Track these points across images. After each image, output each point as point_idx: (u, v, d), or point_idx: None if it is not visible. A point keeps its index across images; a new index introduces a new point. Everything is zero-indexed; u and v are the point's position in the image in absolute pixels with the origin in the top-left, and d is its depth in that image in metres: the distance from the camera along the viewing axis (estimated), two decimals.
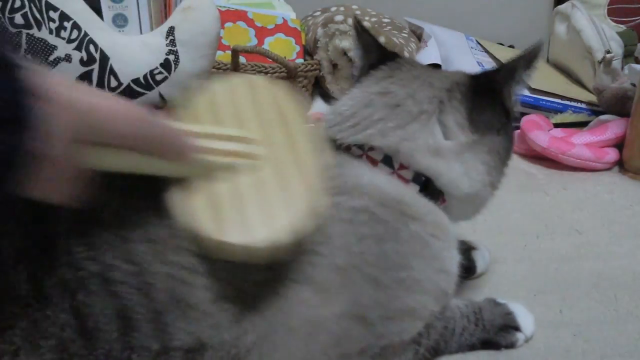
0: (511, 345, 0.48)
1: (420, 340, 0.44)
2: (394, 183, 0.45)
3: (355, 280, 0.40)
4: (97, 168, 0.33)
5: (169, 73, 0.88)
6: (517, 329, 0.49)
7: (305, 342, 0.39)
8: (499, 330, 0.48)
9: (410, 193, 0.45)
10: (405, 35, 1.24)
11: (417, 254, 0.43)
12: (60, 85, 0.29)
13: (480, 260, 0.60)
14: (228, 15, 1.10)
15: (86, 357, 0.36)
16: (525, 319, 0.49)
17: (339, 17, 1.15)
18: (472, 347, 0.47)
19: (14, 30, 0.78)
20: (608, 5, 1.39)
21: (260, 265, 0.37)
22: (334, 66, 1.14)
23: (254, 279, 0.39)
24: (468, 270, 0.59)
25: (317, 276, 0.40)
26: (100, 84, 0.84)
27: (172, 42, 0.88)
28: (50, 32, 0.79)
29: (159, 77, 0.87)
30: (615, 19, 1.39)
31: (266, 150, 0.39)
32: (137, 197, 0.39)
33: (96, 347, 0.36)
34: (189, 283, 0.38)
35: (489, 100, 0.48)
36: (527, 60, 0.50)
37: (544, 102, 1.15)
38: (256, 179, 0.38)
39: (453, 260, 0.46)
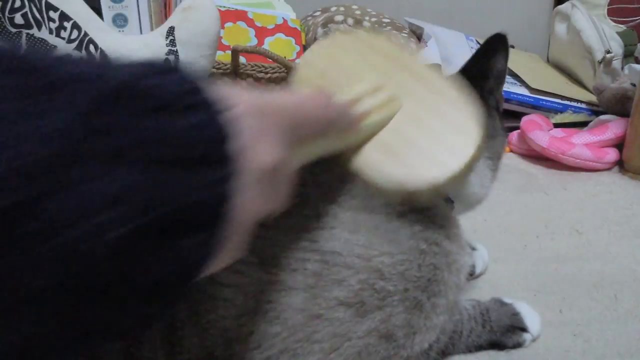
0: (518, 346, 0.48)
1: (432, 344, 0.44)
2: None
3: (395, 302, 0.39)
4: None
5: None
6: (523, 329, 0.49)
7: (327, 354, 0.38)
8: (506, 331, 0.48)
9: (442, 208, 0.44)
10: (405, 35, 1.24)
11: (451, 275, 0.42)
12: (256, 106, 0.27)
13: (480, 260, 0.60)
14: (228, 15, 1.10)
15: None
16: (531, 319, 0.49)
17: (339, 17, 1.15)
18: (479, 348, 0.47)
19: (14, 30, 0.78)
20: (608, 5, 1.39)
21: (299, 284, 0.37)
22: None
23: (288, 287, 0.37)
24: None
25: (364, 298, 0.38)
26: None
27: (172, 42, 0.88)
28: (50, 32, 0.79)
29: None
30: (615, 19, 1.39)
31: (400, 87, 0.39)
32: None
33: (99, 357, 0.35)
34: (212, 296, 0.37)
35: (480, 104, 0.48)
36: (492, 53, 0.48)
37: (544, 102, 1.15)
38: (411, 120, 0.38)
39: (466, 272, 0.45)
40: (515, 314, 0.49)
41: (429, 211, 0.42)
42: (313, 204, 0.40)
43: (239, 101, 0.26)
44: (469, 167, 0.36)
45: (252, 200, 0.26)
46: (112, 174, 0.20)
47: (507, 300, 0.51)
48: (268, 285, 0.38)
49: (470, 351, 0.47)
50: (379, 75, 0.40)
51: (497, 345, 0.48)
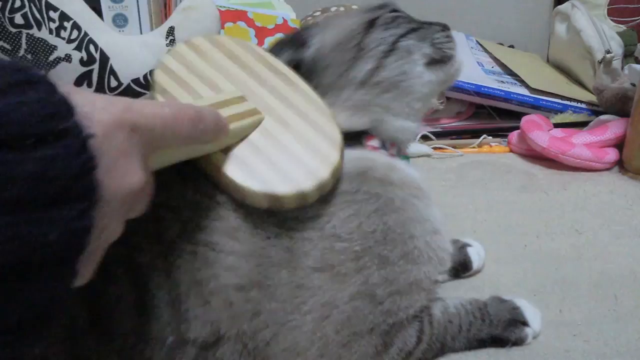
0: (521, 341, 0.48)
1: (422, 327, 0.44)
2: (368, 154, 0.47)
3: (367, 262, 0.41)
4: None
5: None
6: (524, 323, 0.49)
7: (318, 324, 0.39)
8: (507, 325, 0.48)
9: (384, 160, 0.47)
10: None
11: (413, 220, 0.44)
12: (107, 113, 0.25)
13: (476, 256, 0.60)
14: (228, 15, 1.10)
15: (97, 352, 0.36)
16: (532, 314, 0.50)
17: None
18: (482, 344, 0.47)
19: (14, 30, 0.78)
20: (608, 5, 1.39)
21: (282, 247, 0.39)
22: None
23: (275, 263, 0.39)
24: (465, 267, 0.59)
25: (336, 262, 0.40)
26: (100, 84, 0.84)
27: (172, 42, 0.88)
28: (50, 32, 0.79)
29: None
30: (615, 19, 1.39)
31: (259, 102, 0.41)
32: (169, 177, 0.38)
33: (110, 340, 0.36)
34: (213, 263, 0.38)
35: None
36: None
37: (544, 102, 1.15)
38: (268, 131, 0.40)
39: (437, 218, 0.47)
40: (515, 308, 0.49)
41: (365, 173, 0.44)
42: None
43: (102, 117, 0.25)
44: (335, 174, 0.40)
45: (110, 224, 0.26)
46: None
47: (507, 297, 0.51)
48: (262, 258, 0.39)
49: (472, 347, 0.47)
50: (239, 85, 0.42)
51: (500, 341, 0.48)
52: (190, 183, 0.40)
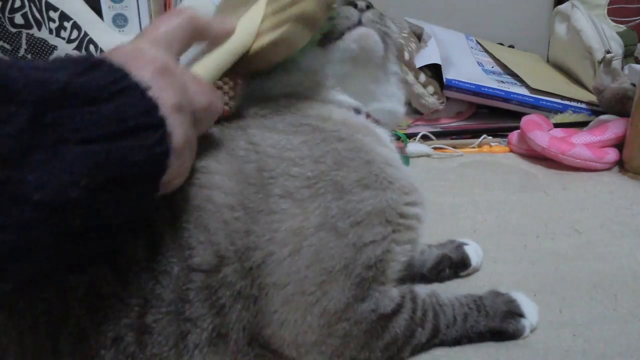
0: (519, 332, 0.48)
1: (403, 302, 0.44)
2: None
3: (321, 189, 0.42)
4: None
5: None
6: (521, 315, 0.49)
7: (292, 258, 0.40)
8: (504, 317, 0.48)
9: (329, 108, 0.50)
10: (405, 35, 1.24)
11: (361, 149, 0.46)
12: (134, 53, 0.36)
13: (473, 253, 0.60)
14: None
15: (118, 296, 0.37)
16: (529, 306, 0.50)
17: None
18: (481, 336, 0.47)
19: (14, 30, 0.78)
20: (608, 5, 1.39)
21: (253, 164, 0.42)
22: None
23: (251, 182, 0.42)
24: (463, 265, 0.59)
25: (293, 189, 0.42)
26: None
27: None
28: (50, 32, 0.79)
29: None
30: (615, 19, 1.39)
31: None
32: None
33: (126, 280, 0.37)
34: (206, 185, 0.41)
35: None
36: None
37: (544, 102, 1.15)
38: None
39: (392, 156, 0.48)
40: (512, 301, 0.49)
41: (303, 109, 0.48)
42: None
43: (146, 64, 0.35)
44: None
45: (177, 131, 0.34)
46: (58, 154, 0.28)
47: (503, 291, 0.51)
48: (240, 175, 0.42)
49: (472, 340, 0.47)
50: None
51: (498, 333, 0.48)
52: None
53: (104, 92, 0.31)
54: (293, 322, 0.40)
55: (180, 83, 0.36)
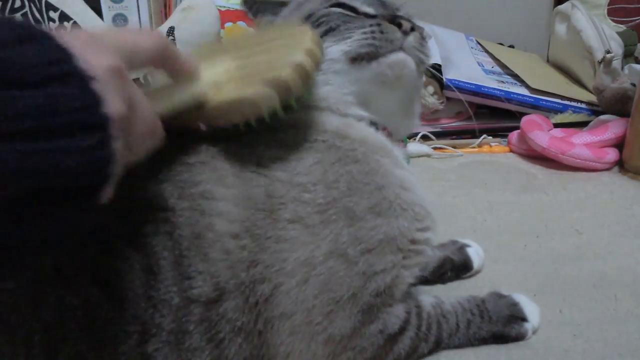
0: (521, 337, 0.48)
1: (409, 318, 0.44)
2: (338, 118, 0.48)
3: (332, 216, 0.41)
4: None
5: None
6: (524, 319, 0.49)
7: (299, 289, 0.39)
8: (507, 321, 0.48)
9: (349, 122, 0.48)
10: None
11: (377, 172, 0.44)
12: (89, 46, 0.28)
13: (475, 255, 0.60)
14: (228, 15, 1.10)
15: (112, 322, 0.36)
16: (531, 309, 0.50)
17: None
18: (483, 341, 0.47)
19: None
20: (608, 5, 1.39)
21: (262, 189, 0.41)
22: None
23: (259, 208, 0.40)
24: (465, 268, 0.59)
25: (304, 214, 0.41)
26: None
27: (172, 42, 0.88)
28: None
29: None
30: (615, 19, 1.39)
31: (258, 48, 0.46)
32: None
33: (123, 308, 0.36)
34: (208, 213, 0.39)
35: None
36: None
37: (544, 102, 1.15)
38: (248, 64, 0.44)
39: (407, 178, 0.47)
40: (514, 304, 0.49)
41: (320, 125, 0.46)
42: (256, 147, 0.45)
43: (102, 56, 0.28)
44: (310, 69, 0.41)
45: (114, 102, 0.28)
46: None
47: (505, 293, 0.51)
48: (248, 201, 0.40)
49: (473, 345, 0.47)
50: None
51: (500, 337, 0.48)
52: (174, 145, 0.41)
53: (36, 74, 0.24)
54: (298, 352, 0.40)
55: (130, 95, 0.30)
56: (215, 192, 0.40)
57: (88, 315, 0.36)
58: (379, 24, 0.48)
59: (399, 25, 0.48)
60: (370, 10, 0.51)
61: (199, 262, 0.38)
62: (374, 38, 0.47)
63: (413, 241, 0.44)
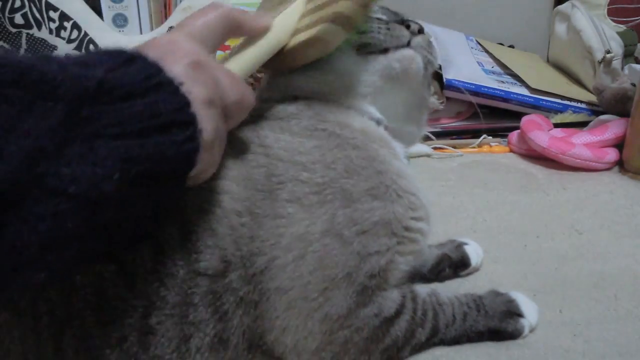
0: (518, 332, 0.48)
1: (404, 302, 0.44)
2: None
3: (329, 195, 0.42)
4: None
5: None
6: (520, 315, 0.49)
7: (296, 264, 0.40)
8: (503, 316, 0.48)
9: (351, 114, 0.49)
10: None
11: (376, 159, 0.45)
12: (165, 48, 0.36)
13: (474, 253, 0.60)
14: None
15: (124, 297, 0.37)
16: (528, 306, 0.50)
17: None
18: (480, 336, 0.47)
19: (14, 30, 0.78)
20: (608, 5, 1.39)
21: (261, 169, 0.43)
22: None
23: (259, 188, 0.42)
24: (463, 265, 0.59)
25: (301, 194, 0.42)
26: None
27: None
28: (50, 32, 0.79)
29: None
30: (615, 19, 1.39)
31: None
32: None
33: (133, 283, 0.37)
34: (216, 190, 0.41)
35: None
36: None
37: (544, 102, 1.15)
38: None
39: (405, 169, 0.48)
40: (511, 301, 0.50)
41: (321, 113, 0.48)
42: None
43: (180, 58, 0.35)
44: None
45: (207, 127, 0.35)
46: (93, 148, 0.29)
47: (502, 291, 0.51)
48: (248, 181, 0.42)
49: (471, 340, 0.47)
50: None
51: (497, 332, 0.48)
52: None
53: (138, 88, 0.31)
54: (294, 328, 0.40)
55: (212, 77, 0.37)
56: (219, 171, 0.41)
57: (99, 293, 0.37)
58: (387, 23, 0.51)
59: (407, 27, 0.52)
60: (382, 17, 0.52)
61: (207, 236, 0.39)
62: (382, 34, 0.49)
63: (407, 228, 0.45)
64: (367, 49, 0.50)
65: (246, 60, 0.44)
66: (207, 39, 0.40)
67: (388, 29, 0.50)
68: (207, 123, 0.35)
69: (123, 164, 0.29)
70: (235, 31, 0.43)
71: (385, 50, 0.50)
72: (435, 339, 0.46)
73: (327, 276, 0.41)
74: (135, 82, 0.32)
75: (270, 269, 0.40)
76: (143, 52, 0.34)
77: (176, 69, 0.34)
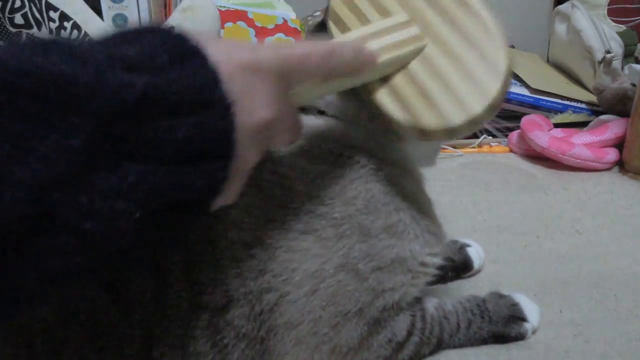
0: (521, 337, 0.48)
1: (414, 322, 0.44)
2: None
3: (347, 231, 0.41)
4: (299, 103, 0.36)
5: None
6: (524, 319, 0.49)
7: (308, 299, 0.39)
8: (507, 321, 0.48)
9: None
10: None
11: (398, 194, 0.44)
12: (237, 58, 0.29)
13: (476, 255, 0.60)
14: (228, 15, 1.10)
15: (118, 327, 0.36)
16: (530, 309, 0.50)
17: None
18: (483, 341, 0.48)
19: (14, 30, 0.78)
20: (608, 5, 1.39)
21: (275, 199, 0.40)
22: None
23: (271, 218, 0.40)
24: (465, 267, 0.59)
25: (318, 227, 0.40)
26: None
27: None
28: (50, 32, 0.79)
29: None
30: (615, 19, 1.39)
31: (426, 27, 0.40)
32: None
33: (130, 312, 0.36)
34: (222, 219, 0.39)
35: None
36: None
37: (544, 102, 1.15)
38: (443, 50, 0.39)
39: (426, 202, 0.47)
40: (514, 304, 0.50)
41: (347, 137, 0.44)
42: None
43: (226, 62, 0.28)
44: (492, 109, 0.39)
45: (246, 154, 0.30)
46: (120, 175, 0.24)
47: (505, 293, 0.51)
48: (260, 211, 0.40)
49: (473, 345, 0.47)
50: (408, 6, 0.41)
51: (500, 337, 0.48)
52: None
53: (185, 103, 0.26)
54: None
55: (271, 97, 0.31)
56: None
57: (92, 318, 0.36)
58: None
59: None
60: None
61: (210, 269, 0.38)
62: None
63: (423, 264, 0.44)
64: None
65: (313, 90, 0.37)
66: (293, 77, 0.33)
67: None
68: (247, 152, 0.30)
69: (148, 195, 0.25)
70: (334, 76, 0.36)
71: None
72: (439, 350, 0.46)
73: (340, 312, 0.40)
74: (185, 94, 0.26)
75: (281, 304, 0.39)
76: (204, 48, 0.28)
77: (236, 79, 0.28)
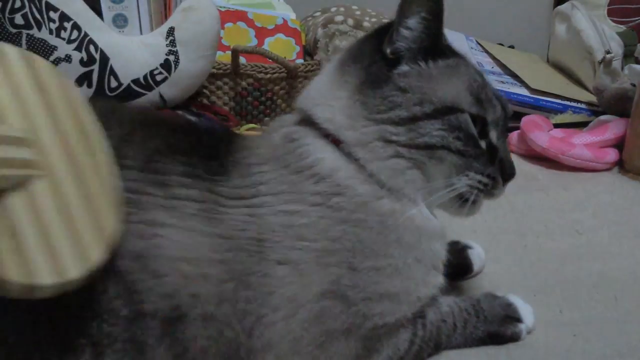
0: (516, 336, 0.49)
1: (415, 331, 0.44)
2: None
3: (331, 262, 0.41)
4: None
5: (169, 73, 0.88)
6: (518, 320, 0.49)
7: (287, 321, 0.39)
8: (502, 321, 0.48)
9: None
10: None
11: (392, 243, 0.43)
12: None
13: (477, 258, 0.60)
14: (228, 16, 1.10)
15: (62, 334, 0.37)
16: (524, 310, 0.50)
17: (339, 18, 1.15)
18: (480, 341, 0.48)
19: (14, 30, 0.78)
20: (608, 5, 1.39)
21: (251, 235, 0.40)
22: None
23: (243, 255, 0.40)
24: (465, 269, 0.59)
25: (297, 258, 0.40)
26: (101, 85, 0.84)
27: (172, 43, 0.88)
28: (51, 32, 0.79)
29: (159, 78, 0.87)
30: (615, 19, 1.39)
31: (60, 152, 0.34)
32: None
33: (69, 316, 0.37)
34: (159, 235, 0.38)
35: None
36: None
37: (544, 102, 1.15)
38: (54, 193, 0.33)
39: (435, 254, 0.45)
40: (509, 304, 0.50)
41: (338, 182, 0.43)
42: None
43: None
44: (92, 273, 0.34)
45: None
46: None
47: (499, 294, 0.51)
48: (233, 241, 0.40)
49: (470, 345, 0.47)
50: (31, 125, 0.34)
51: (496, 337, 0.48)
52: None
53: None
54: None
55: None
56: (161, 217, 0.39)
57: (35, 333, 0.36)
58: (494, 179, 0.47)
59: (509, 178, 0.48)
60: (493, 137, 0.47)
61: (147, 279, 0.38)
62: (480, 191, 0.46)
63: (419, 299, 0.44)
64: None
65: None
66: None
67: (491, 187, 0.48)
68: None
69: None
70: None
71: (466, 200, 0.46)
72: (437, 352, 0.46)
73: (325, 331, 0.40)
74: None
75: (257, 328, 0.39)
76: None
77: None
